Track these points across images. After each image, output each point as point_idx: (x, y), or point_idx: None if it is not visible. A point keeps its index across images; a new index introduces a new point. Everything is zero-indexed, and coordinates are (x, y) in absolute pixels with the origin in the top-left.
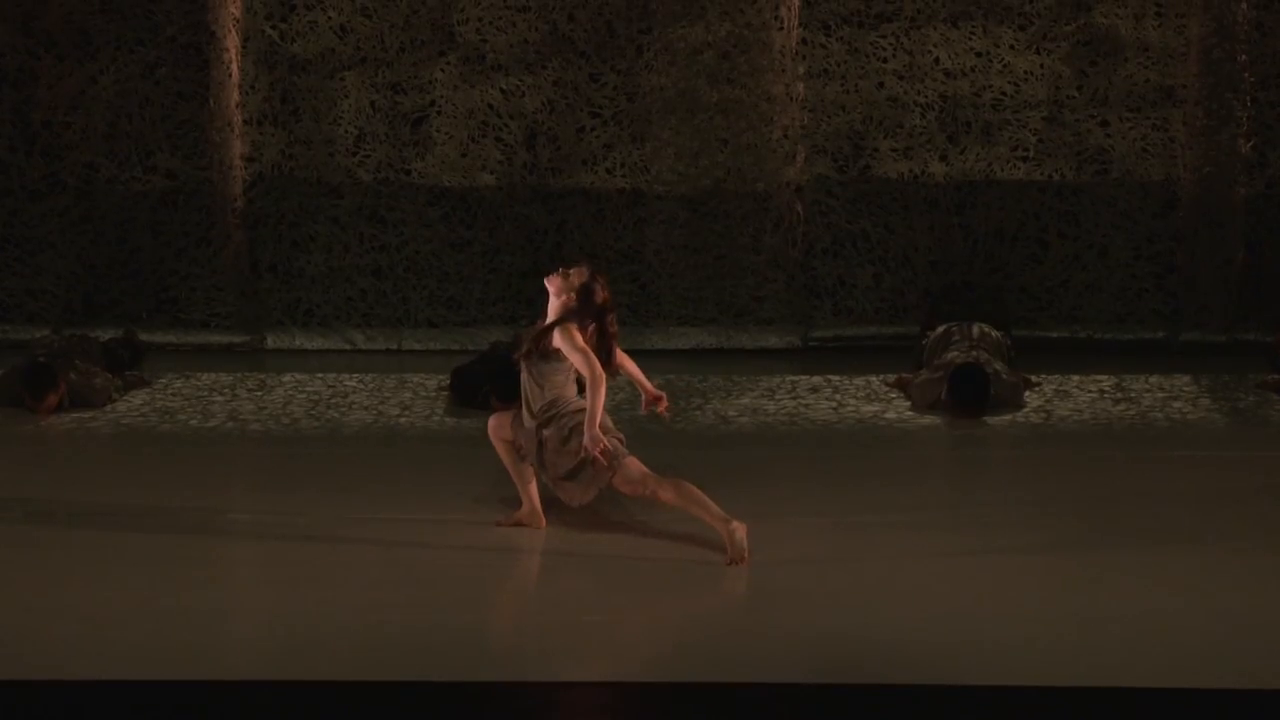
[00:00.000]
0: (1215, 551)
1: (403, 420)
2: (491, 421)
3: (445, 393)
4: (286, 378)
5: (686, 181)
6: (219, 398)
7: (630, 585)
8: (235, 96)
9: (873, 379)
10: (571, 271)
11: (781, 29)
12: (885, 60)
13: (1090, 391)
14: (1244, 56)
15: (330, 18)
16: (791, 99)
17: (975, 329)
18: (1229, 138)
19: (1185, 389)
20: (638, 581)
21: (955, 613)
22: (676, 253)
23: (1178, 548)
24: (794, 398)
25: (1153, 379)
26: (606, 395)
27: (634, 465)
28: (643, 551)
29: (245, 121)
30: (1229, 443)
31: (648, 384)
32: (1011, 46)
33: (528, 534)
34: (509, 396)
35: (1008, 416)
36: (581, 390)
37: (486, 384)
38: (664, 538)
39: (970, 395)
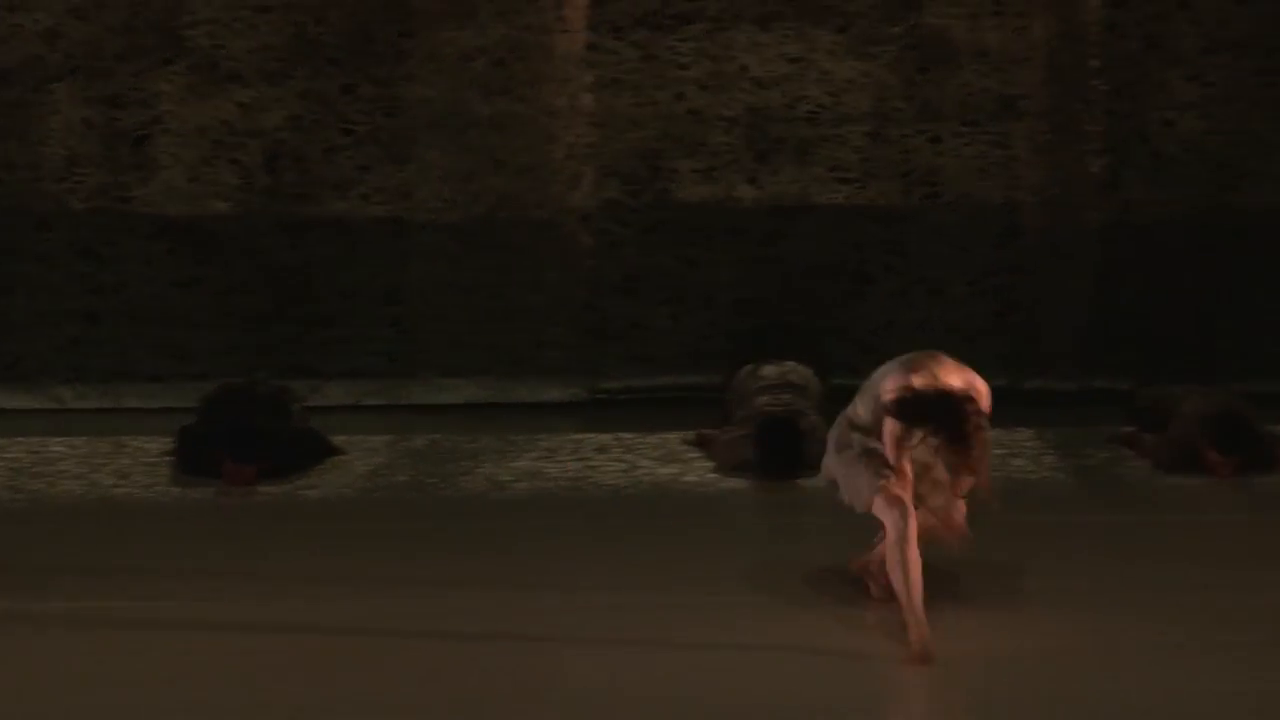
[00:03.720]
0: (1072, 632)
1: (119, 491)
2: None
3: (170, 459)
4: None
5: (455, 209)
6: None
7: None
8: None
9: (669, 436)
10: None
11: (565, 32)
12: (685, 68)
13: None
14: (1095, 62)
15: (37, 20)
16: (577, 113)
17: (788, 365)
18: (1078, 155)
19: (1028, 444)
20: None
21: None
22: (444, 292)
23: (1019, 632)
24: (579, 459)
25: (991, 433)
26: None
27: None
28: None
29: None
30: (1078, 506)
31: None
32: (830, 51)
33: (275, 620)
34: (246, 459)
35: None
36: None
37: (219, 447)
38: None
39: (781, 454)
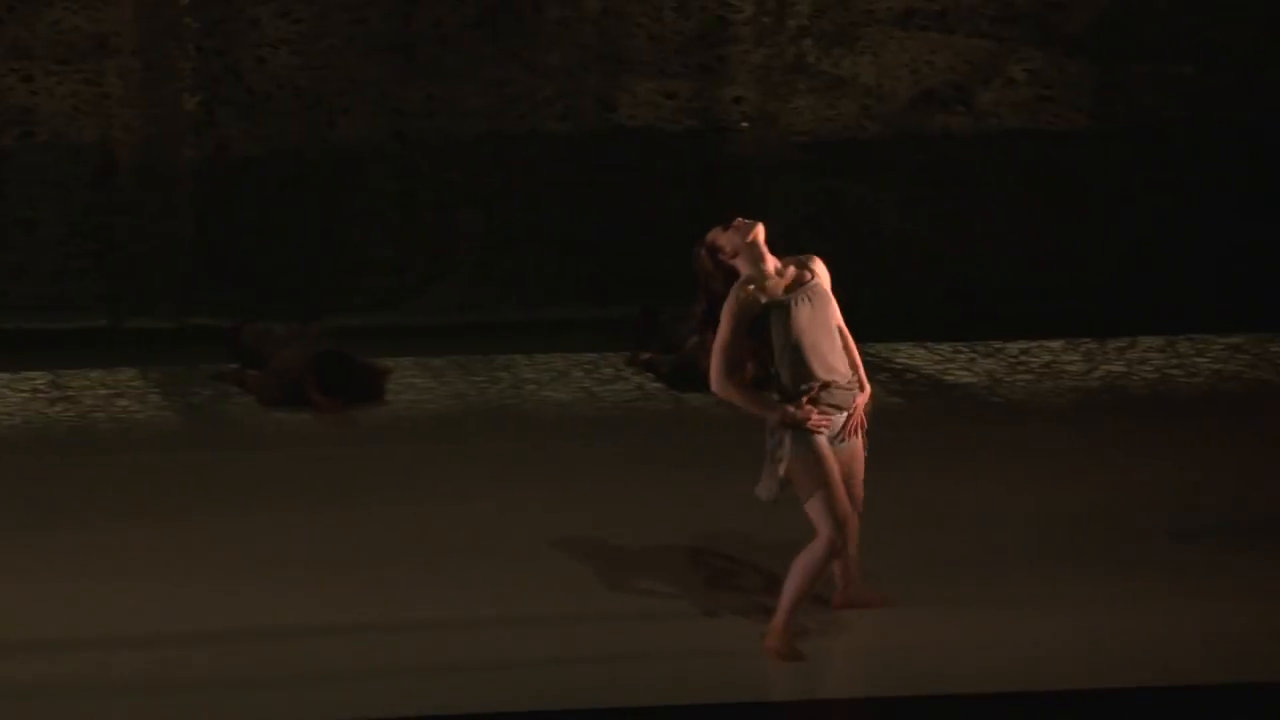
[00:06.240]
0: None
1: None
2: None
3: None
4: None
5: None
6: None
7: None
8: None
9: None
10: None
11: None
12: None
13: (22, 391)
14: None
15: None
16: None
17: None
18: (172, 93)
19: (132, 384)
20: None
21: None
22: None
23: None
24: None
25: (94, 374)
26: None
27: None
28: None
29: None
30: (183, 443)
31: None
32: None
33: None
34: None
35: None
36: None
37: None
38: None
39: None
